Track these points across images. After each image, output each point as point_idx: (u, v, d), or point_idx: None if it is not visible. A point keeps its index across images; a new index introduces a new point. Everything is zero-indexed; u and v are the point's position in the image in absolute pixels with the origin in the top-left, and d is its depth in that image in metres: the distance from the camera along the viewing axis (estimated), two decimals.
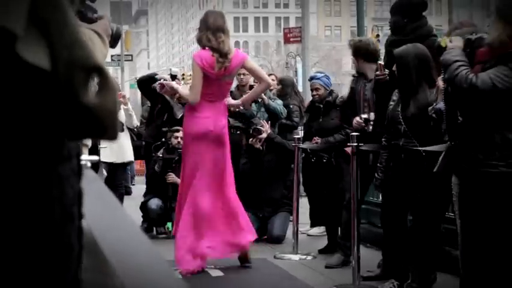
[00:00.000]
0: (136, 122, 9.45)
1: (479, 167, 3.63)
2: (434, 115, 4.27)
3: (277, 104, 7.80)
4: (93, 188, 1.13)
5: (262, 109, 7.90)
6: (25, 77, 1.18)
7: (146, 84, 8.56)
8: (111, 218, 1.01)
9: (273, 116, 7.77)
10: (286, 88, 8.47)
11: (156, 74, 9.04)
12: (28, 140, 1.20)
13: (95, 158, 1.25)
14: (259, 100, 7.88)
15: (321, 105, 6.83)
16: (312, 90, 7.08)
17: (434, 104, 4.36)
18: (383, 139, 5.28)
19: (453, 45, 3.82)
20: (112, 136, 1.27)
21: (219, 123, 5.91)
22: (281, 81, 8.76)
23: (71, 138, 1.27)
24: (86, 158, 1.21)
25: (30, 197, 1.21)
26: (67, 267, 1.30)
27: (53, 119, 1.21)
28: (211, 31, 5.75)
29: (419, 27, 5.83)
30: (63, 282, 1.29)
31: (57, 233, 1.26)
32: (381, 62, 5.72)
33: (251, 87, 7.31)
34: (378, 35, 18.91)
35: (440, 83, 4.39)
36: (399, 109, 5.00)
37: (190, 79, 10.06)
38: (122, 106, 8.50)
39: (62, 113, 1.21)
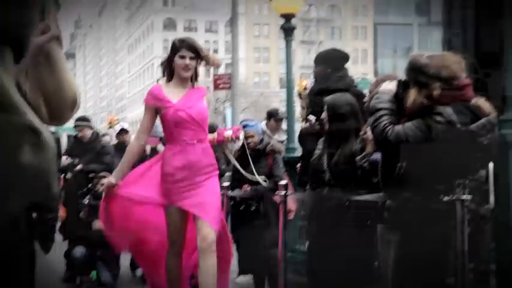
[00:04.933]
0: None
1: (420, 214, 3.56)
2: (366, 166, 4.24)
3: None
4: None
5: None
6: None
7: None
8: None
9: None
10: None
11: None
12: None
13: None
14: None
15: (251, 153, 6.85)
16: (246, 138, 7.09)
17: (367, 154, 4.33)
18: (307, 187, 5.33)
19: (383, 89, 3.76)
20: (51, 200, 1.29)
21: None
22: None
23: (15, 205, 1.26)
24: None
25: None
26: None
27: None
28: None
29: (342, 77, 6.01)
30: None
31: None
32: (312, 118, 5.81)
33: None
34: (305, 88, 19.05)
35: (368, 132, 4.35)
36: (324, 158, 5.05)
37: (117, 123, 9.95)
38: None
39: None
